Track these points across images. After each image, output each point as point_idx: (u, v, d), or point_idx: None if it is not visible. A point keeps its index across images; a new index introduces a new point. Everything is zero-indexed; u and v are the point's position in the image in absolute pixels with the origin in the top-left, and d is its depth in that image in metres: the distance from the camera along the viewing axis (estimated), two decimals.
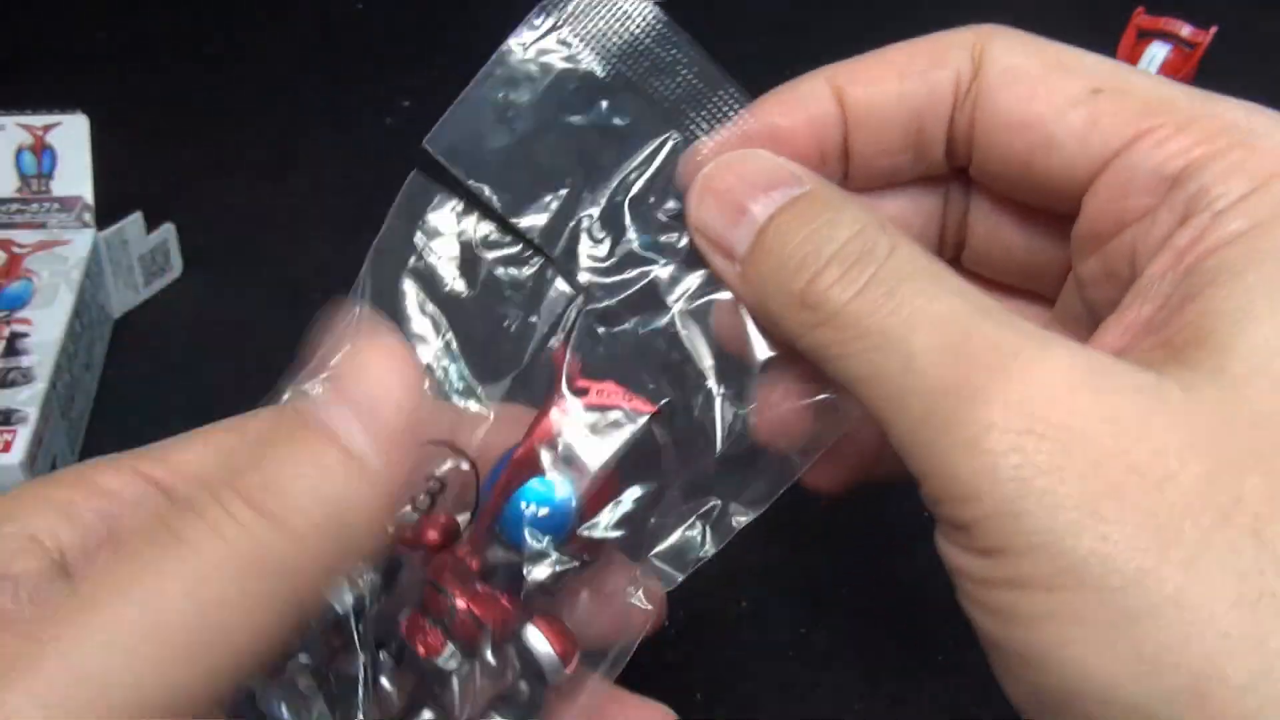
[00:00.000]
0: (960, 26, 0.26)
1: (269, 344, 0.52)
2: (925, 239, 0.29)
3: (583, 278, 0.27)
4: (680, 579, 0.27)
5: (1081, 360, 0.21)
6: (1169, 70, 0.55)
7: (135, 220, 0.52)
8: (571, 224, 0.27)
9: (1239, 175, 0.22)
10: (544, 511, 0.25)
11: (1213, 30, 0.55)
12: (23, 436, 0.43)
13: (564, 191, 0.27)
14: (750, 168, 0.25)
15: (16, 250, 0.50)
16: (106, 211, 0.56)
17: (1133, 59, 0.56)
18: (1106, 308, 0.25)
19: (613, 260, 0.27)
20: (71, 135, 0.52)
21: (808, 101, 0.26)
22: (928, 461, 0.21)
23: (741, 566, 0.43)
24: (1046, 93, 0.24)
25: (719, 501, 0.27)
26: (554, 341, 0.27)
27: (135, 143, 0.62)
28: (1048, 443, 0.20)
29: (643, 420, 0.25)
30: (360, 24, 0.72)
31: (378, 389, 0.21)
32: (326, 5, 0.73)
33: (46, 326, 0.47)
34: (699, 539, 0.27)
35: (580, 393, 0.26)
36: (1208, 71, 0.56)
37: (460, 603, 0.25)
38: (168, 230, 0.53)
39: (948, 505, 0.21)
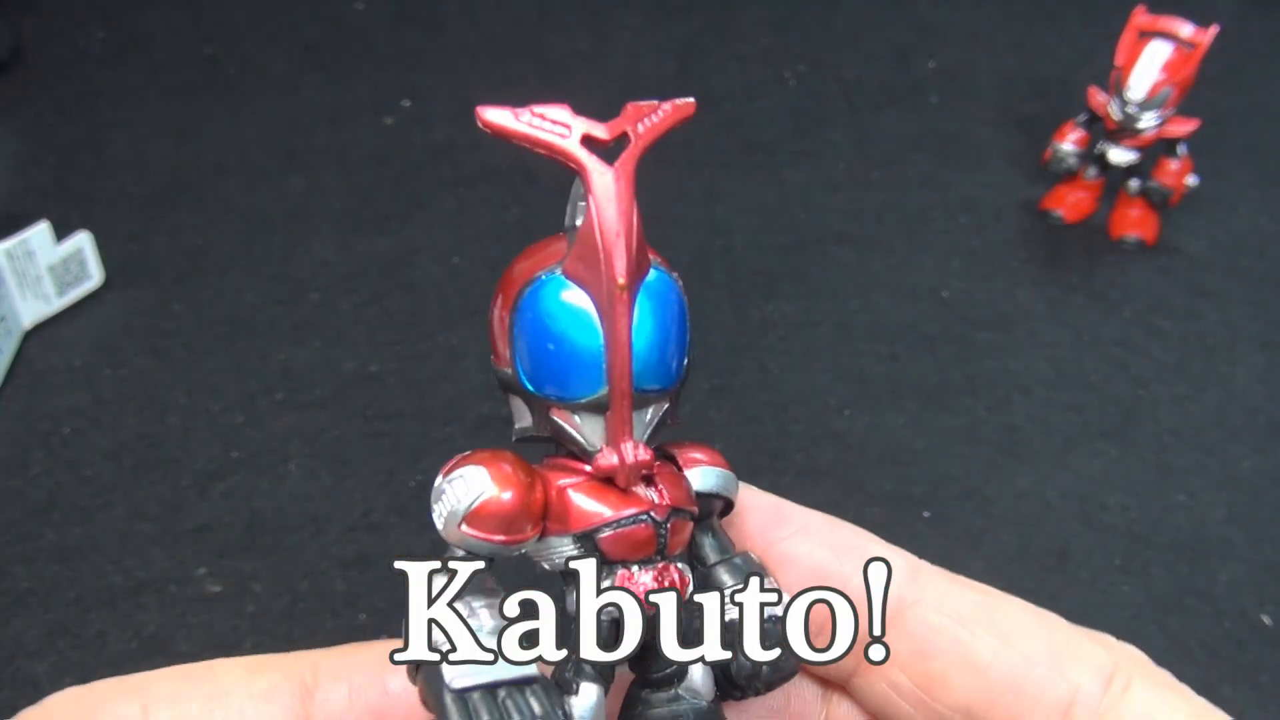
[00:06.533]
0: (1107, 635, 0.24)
1: (264, 343, 0.52)
2: None
3: None
4: None
5: None
6: (1169, 70, 0.55)
7: (41, 230, 0.50)
8: None
9: None
10: None
11: (1213, 30, 0.55)
12: None
13: None
14: None
15: None
16: (106, 211, 0.56)
17: (1132, 58, 0.56)
18: None
19: None
20: None
21: None
22: None
23: None
24: None
25: None
26: None
27: (130, 142, 0.63)
28: None
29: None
30: (360, 24, 0.72)
31: None
32: (326, 5, 0.73)
33: None
34: None
35: None
36: (1208, 71, 0.56)
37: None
38: (81, 239, 0.52)
39: None
